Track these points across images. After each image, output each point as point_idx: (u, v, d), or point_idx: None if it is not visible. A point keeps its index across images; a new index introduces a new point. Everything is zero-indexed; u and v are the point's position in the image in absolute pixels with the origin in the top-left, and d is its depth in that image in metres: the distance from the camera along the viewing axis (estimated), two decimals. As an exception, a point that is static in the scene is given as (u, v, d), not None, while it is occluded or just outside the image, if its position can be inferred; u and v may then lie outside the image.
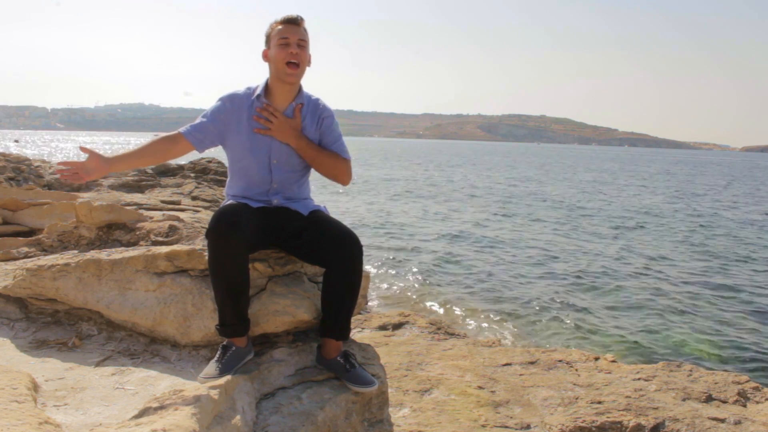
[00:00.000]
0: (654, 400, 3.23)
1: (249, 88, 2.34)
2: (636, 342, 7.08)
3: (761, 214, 21.12)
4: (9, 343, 2.32)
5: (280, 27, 2.22)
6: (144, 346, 2.35)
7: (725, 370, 4.04)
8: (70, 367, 2.13)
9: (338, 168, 2.37)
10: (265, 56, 2.28)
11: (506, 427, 3.06)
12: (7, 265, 2.95)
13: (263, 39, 2.30)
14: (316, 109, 2.36)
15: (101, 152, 2.18)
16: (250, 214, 2.19)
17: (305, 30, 2.26)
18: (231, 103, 2.29)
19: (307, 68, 2.30)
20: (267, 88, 2.31)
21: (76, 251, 2.83)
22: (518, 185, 32.22)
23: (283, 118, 2.26)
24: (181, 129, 2.30)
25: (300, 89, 2.33)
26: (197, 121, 2.31)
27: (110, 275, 2.43)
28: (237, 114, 2.28)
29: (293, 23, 2.23)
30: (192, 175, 10.72)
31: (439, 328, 5.02)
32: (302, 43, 2.23)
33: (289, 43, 2.20)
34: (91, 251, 2.61)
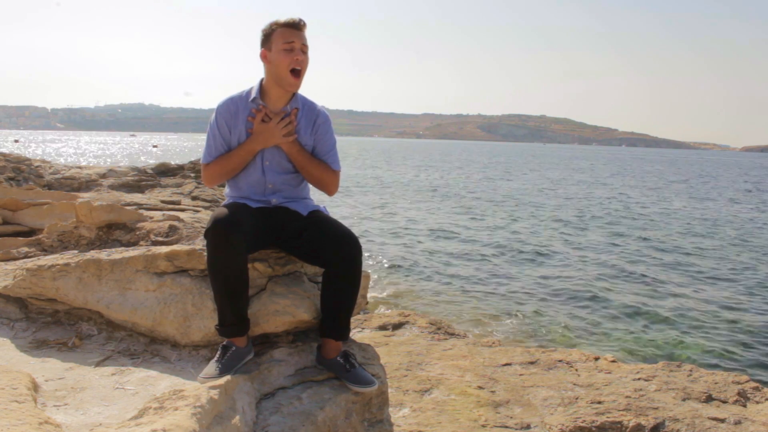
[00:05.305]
0: (654, 400, 3.23)
1: (243, 91, 2.32)
2: (636, 342, 7.08)
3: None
4: (9, 343, 2.32)
5: (283, 30, 2.17)
6: (144, 346, 2.35)
7: (725, 370, 4.04)
8: (70, 367, 2.13)
9: (325, 179, 2.35)
10: (264, 57, 2.22)
11: (506, 427, 3.05)
12: (7, 265, 2.95)
13: (260, 37, 2.24)
14: (311, 113, 2.33)
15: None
16: (249, 214, 2.19)
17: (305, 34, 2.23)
18: (227, 111, 2.27)
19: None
20: (262, 89, 2.28)
21: (76, 251, 2.83)
22: (518, 187, 32.20)
23: (276, 122, 2.24)
24: (204, 161, 2.31)
25: (294, 92, 2.31)
26: (210, 144, 2.29)
27: (110, 275, 2.43)
28: (235, 118, 2.27)
29: (297, 27, 2.18)
30: (192, 175, 10.72)
31: (439, 328, 5.02)
32: (305, 49, 2.20)
33: (294, 48, 2.16)
34: (91, 251, 2.61)
